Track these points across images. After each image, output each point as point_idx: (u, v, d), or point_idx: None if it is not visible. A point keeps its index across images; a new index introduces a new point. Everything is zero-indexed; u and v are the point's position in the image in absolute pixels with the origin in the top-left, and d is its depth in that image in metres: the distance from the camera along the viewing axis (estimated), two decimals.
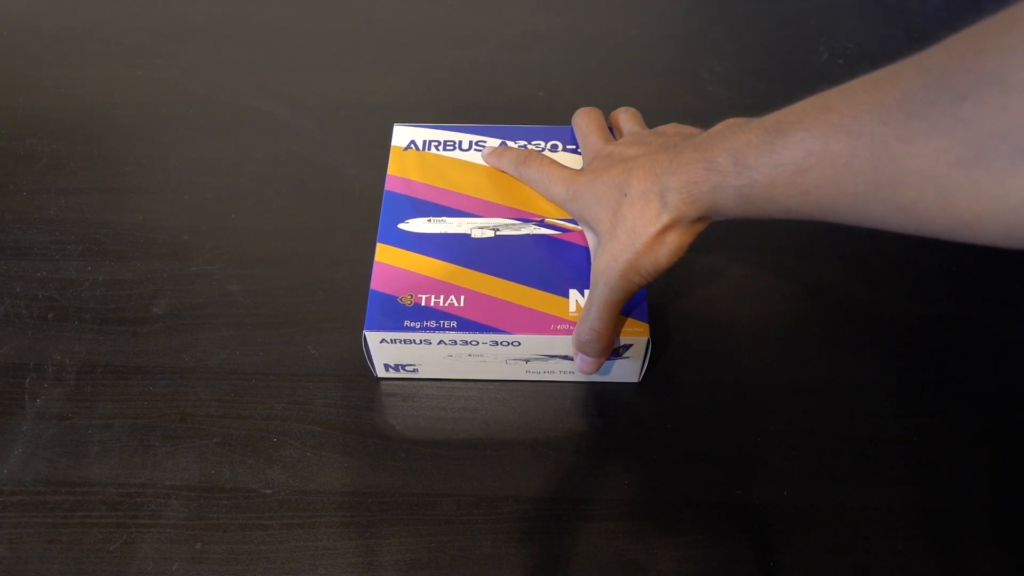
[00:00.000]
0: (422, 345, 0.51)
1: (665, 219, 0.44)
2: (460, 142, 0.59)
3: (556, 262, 0.53)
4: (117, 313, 0.59)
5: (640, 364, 0.53)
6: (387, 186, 0.57)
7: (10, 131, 0.71)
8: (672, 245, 0.45)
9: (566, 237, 0.54)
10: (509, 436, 0.53)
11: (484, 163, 0.58)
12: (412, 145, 0.59)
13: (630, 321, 0.51)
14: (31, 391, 0.56)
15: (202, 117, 0.72)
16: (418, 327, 0.50)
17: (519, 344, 0.50)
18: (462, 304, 0.51)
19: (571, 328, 0.50)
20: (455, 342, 0.50)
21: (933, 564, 0.48)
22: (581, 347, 0.50)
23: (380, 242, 0.54)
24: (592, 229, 0.50)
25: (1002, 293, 0.59)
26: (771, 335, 0.58)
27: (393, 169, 0.58)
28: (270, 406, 0.55)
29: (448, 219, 0.55)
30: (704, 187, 0.42)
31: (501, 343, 0.50)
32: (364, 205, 0.63)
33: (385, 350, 0.52)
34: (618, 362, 0.53)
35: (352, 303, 0.59)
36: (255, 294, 0.60)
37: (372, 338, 0.51)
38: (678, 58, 0.76)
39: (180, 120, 0.72)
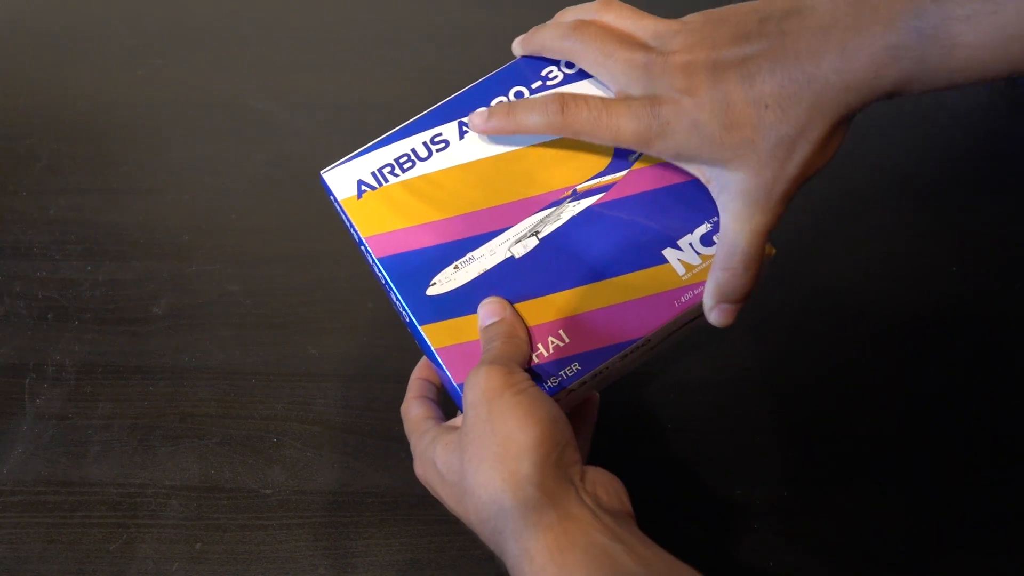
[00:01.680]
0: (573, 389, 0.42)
1: (832, 118, 0.36)
2: (415, 150, 0.45)
3: (625, 231, 0.42)
4: (117, 313, 0.59)
5: None
6: (376, 254, 0.43)
7: (10, 131, 0.71)
8: (838, 140, 0.38)
9: (613, 195, 0.43)
10: None
11: (479, 144, 0.44)
12: (363, 187, 0.45)
13: None
14: (31, 391, 0.56)
15: (202, 117, 0.72)
16: (548, 388, 0.40)
17: (649, 341, 0.42)
18: (566, 340, 0.40)
19: (695, 295, 0.41)
20: (585, 383, 0.41)
21: (933, 564, 0.49)
22: (731, 294, 0.40)
23: (423, 324, 0.41)
24: (703, 160, 0.39)
25: (1002, 293, 0.59)
26: (771, 335, 0.58)
27: (365, 230, 0.43)
28: (270, 406, 0.55)
29: (476, 252, 0.42)
30: (889, 77, 0.35)
31: (631, 353, 0.41)
32: None
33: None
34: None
35: (352, 303, 0.59)
36: (255, 294, 0.60)
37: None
38: None
39: (180, 120, 0.72)
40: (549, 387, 0.40)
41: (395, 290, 0.42)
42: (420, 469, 0.42)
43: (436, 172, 0.44)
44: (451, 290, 0.41)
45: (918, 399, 0.55)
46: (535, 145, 0.44)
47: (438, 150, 0.44)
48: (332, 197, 0.45)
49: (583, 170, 0.43)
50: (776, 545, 0.49)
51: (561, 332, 0.41)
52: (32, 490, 0.51)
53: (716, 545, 0.49)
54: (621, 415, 0.54)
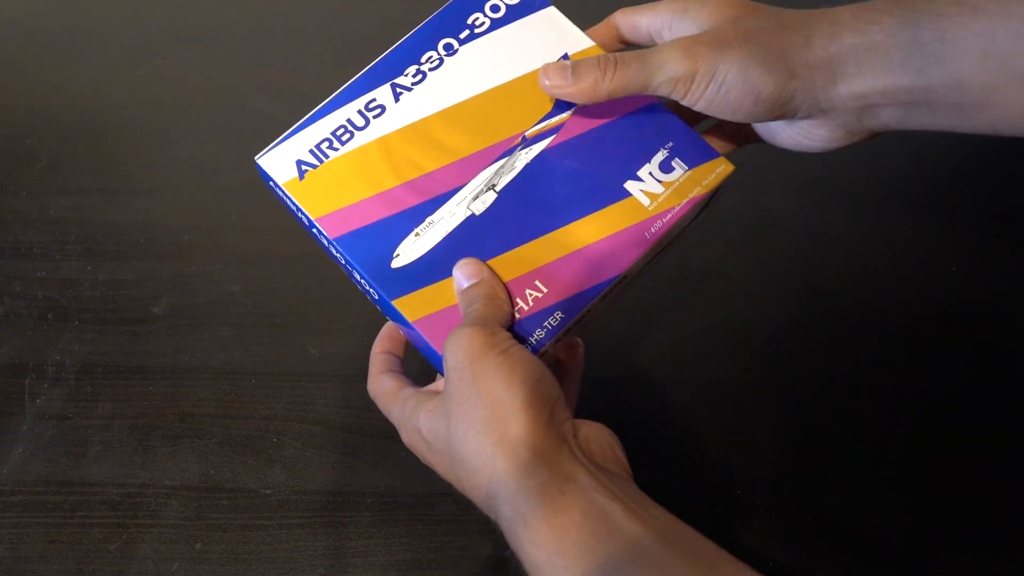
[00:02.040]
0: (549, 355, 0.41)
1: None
2: (351, 120, 0.43)
3: (583, 171, 0.41)
4: (117, 313, 0.59)
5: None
6: (331, 235, 0.41)
7: (10, 131, 0.71)
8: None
9: (564, 136, 0.42)
10: None
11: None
12: (303, 167, 0.42)
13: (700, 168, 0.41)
14: (31, 391, 0.56)
15: (202, 117, 0.72)
16: (535, 342, 0.39)
17: (626, 278, 0.41)
18: (543, 291, 0.39)
19: (664, 224, 0.40)
20: (570, 330, 0.40)
21: (933, 564, 0.49)
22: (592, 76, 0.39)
23: (395, 299, 0.40)
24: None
25: (1002, 293, 0.59)
26: (770, 335, 0.58)
27: (314, 211, 0.41)
28: (270, 406, 0.55)
29: (434, 215, 0.41)
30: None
31: (610, 292, 0.41)
32: None
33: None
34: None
35: (352, 303, 0.59)
36: (255, 294, 0.60)
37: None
38: None
39: (180, 120, 0.72)
40: (536, 341, 0.39)
41: (357, 270, 0.40)
42: (406, 438, 0.41)
43: (377, 140, 0.42)
44: (417, 259, 0.40)
45: (918, 399, 0.55)
46: (473, 97, 0.43)
47: (375, 116, 0.42)
48: (271, 183, 0.42)
49: (528, 115, 0.42)
50: (776, 545, 0.49)
51: (537, 283, 0.40)
52: (32, 490, 0.51)
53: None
54: (621, 415, 0.54)
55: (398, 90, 0.43)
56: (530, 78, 0.43)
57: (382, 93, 0.43)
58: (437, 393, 0.39)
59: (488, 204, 0.41)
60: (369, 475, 0.52)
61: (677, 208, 0.40)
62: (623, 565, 0.32)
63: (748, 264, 0.61)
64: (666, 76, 0.38)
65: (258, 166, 0.42)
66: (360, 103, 0.43)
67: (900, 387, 0.55)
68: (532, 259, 0.40)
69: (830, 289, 0.60)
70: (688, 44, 0.38)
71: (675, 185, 0.41)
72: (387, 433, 0.54)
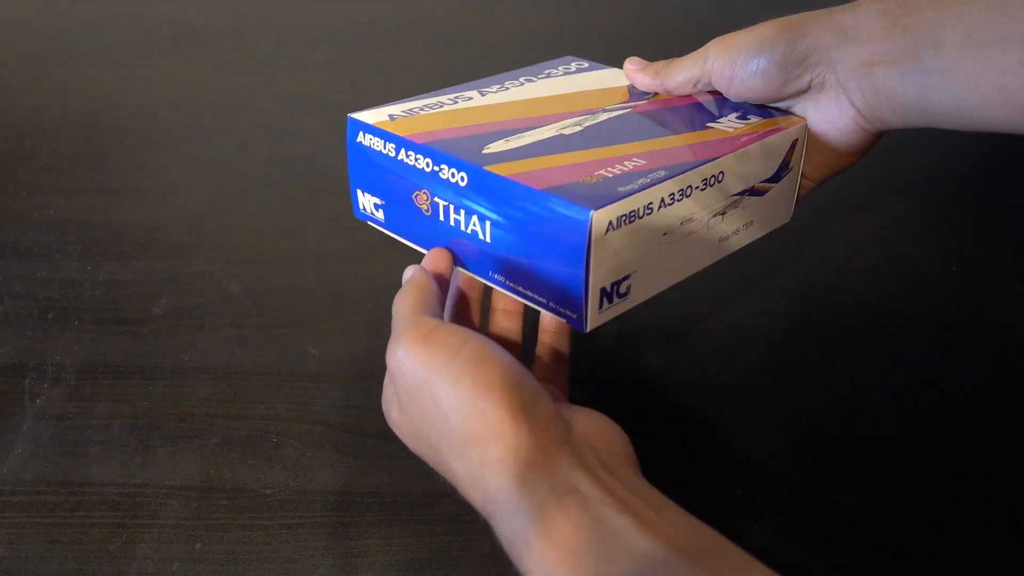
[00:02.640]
0: (645, 220, 0.38)
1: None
2: (440, 101, 0.47)
3: (666, 116, 0.46)
4: (117, 313, 0.59)
5: (795, 186, 0.48)
6: (419, 141, 0.41)
7: (10, 131, 0.71)
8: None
9: (652, 105, 0.47)
10: None
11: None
12: (394, 116, 0.45)
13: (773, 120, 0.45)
14: (31, 391, 0.56)
15: (202, 117, 0.72)
16: (636, 187, 0.37)
17: (721, 179, 0.42)
18: (644, 161, 0.40)
19: (752, 138, 0.43)
20: (672, 198, 0.39)
21: (934, 564, 0.48)
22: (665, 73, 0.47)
23: (489, 165, 0.38)
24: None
25: (1002, 293, 0.59)
26: (771, 335, 0.58)
27: (403, 131, 0.42)
28: (270, 406, 0.55)
29: (523, 133, 0.42)
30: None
31: (710, 181, 0.41)
32: None
33: (610, 247, 0.37)
34: (775, 190, 0.46)
35: (352, 303, 0.59)
36: (255, 294, 0.60)
37: (599, 222, 0.35)
38: (682, 53, 0.76)
39: (180, 120, 0.72)
40: (631, 189, 0.37)
41: (444, 159, 0.40)
42: (392, 426, 0.39)
43: (465, 107, 0.46)
44: (508, 150, 0.40)
45: (918, 399, 0.55)
46: (554, 95, 0.48)
47: (463, 100, 0.47)
48: (360, 131, 0.44)
49: (607, 101, 0.47)
50: (776, 545, 0.49)
51: (635, 158, 0.40)
52: (32, 490, 0.51)
53: None
54: (620, 415, 0.54)
55: (484, 91, 0.49)
56: (607, 91, 0.50)
57: (469, 92, 0.48)
58: (395, 402, 0.36)
59: (578, 129, 0.43)
60: (369, 475, 0.52)
61: (763, 131, 0.44)
62: None
63: (748, 264, 0.61)
64: (705, 61, 0.45)
65: (349, 120, 0.44)
66: (451, 95, 0.48)
67: (900, 387, 0.55)
68: (628, 149, 0.41)
69: (830, 289, 0.60)
70: (721, 38, 0.45)
71: (754, 124, 0.45)
72: (387, 433, 0.53)
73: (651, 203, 0.38)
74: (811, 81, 0.43)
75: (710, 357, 0.57)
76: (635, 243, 0.38)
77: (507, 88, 0.49)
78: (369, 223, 0.46)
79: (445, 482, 0.50)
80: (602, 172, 0.38)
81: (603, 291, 0.38)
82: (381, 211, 0.45)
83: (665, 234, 0.40)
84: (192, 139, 0.70)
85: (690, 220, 0.41)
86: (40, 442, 0.53)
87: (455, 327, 0.33)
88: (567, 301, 0.38)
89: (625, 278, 0.39)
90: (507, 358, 0.32)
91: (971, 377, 0.55)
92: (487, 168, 0.38)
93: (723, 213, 0.43)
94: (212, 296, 0.60)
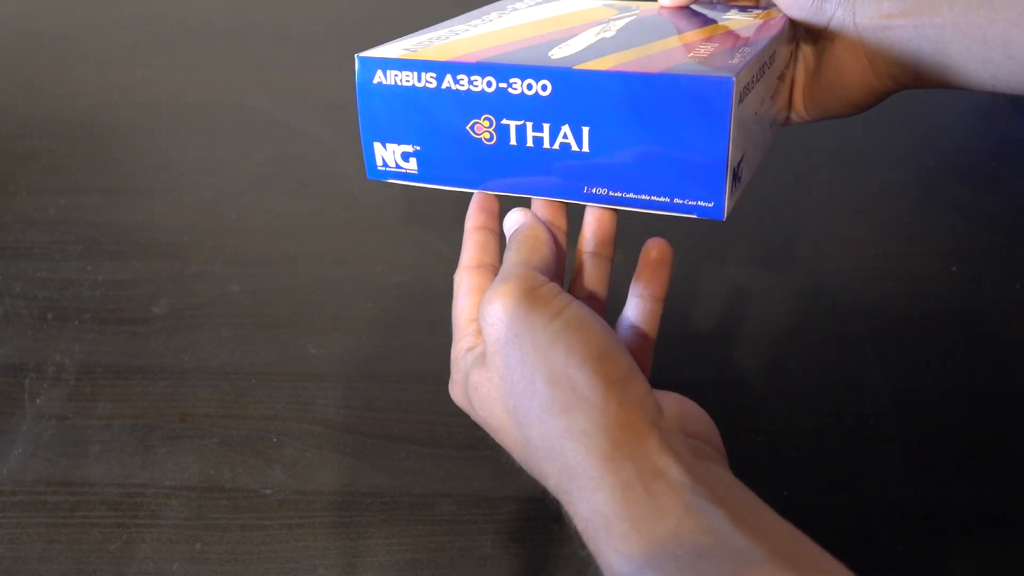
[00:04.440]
0: (749, 96, 0.36)
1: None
2: (452, 29, 0.42)
3: (689, 19, 0.43)
4: (117, 313, 0.59)
5: None
6: (474, 60, 0.36)
7: (10, 131, 0.71)
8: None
9: (648, 12, 0.44)
10: None
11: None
12: (414, 47, 0.38)
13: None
14: (31, 391, 0.56)
15: (202, 117, 0.72)
16: (743, 60, 0.35)
17: (773, 58, 0.40)
18: (716, 44, 0.38)
19: (780, 20, 0.41)
20: (757, 75, 0.37)
21: (933, 564, 0.48)
22: None
23: (578, 64, 0.34)
24: None
25: (1002, 293, 0.59)
26: (771, 335, 0.58)
27: (441, 56, 0.36)
28: (270, 406, 0.55)
29: (571, 40, 0.39)
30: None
31: (768, 62, 0.39)
32: (364, 205, 0.63)
33: (737, 122, 0.35)
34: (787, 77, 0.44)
35: (352, 303, 0.59)
36: (255, 294, 0.60)
37: (737, 88, 0.33)
38: None
39: (180, 120, 0.72)
40: (742, 61, 0.34)
41: (514, 72, 0.35)
42: (454, 395, 0.35)
43: (483, 32, 0.40)
44: (576, 52, 0.36)
45: (918, 399, 0.55)
46: (549, 17, 0.44)
47: (474, 27, 0.42)
48: (377, 70, 0.37)
49: (602, 15, 0.44)
50: None
51: (702, 44, 0.37)
52: (32, 490, 0.51)
53: None
54: None
55: (485, 19, 0.44)
56: (593, 9, 0.45)
57: (472, 22, 0.43)
58: (480, 363, 0.33)
59: (614, 32, 0.39)
60: (369, 475, 0.52)
61: (779, 17, 0.42)
62: None
63: (748, 264, 0.61)
64: None
65: (359, 60, 0.37)
66: (453, 25, 0.42)
67: (900, 386, 0.55)
68: (690, 38, 0.38)
69: (830, 289, 0.60)
70: None
71: (761, 14, 0.43)
72: (387, 433, 0.54)
73: (755, 76, 0.35)
74: (831, 19, 0.41)
75: (710, 357, 0.57)
76: (743, 121, 0.35)
77: (503, 15, 0.44)
78: (392, 180, 0.40)
79: (444, 482, 0.50)
80: (701, 51, 0.35)
81: (734, 172, 0.35)
82: (413, 160, 0.38)
83: (756, 112, 0.37)
84: (192, 139, 0.70)
85: (762, 101, 0.38)
86: (40, 442, 0.53)
87: (559, 289, 0.31)
88: (701, 188, 0.34)
89: (742, 159, 0.36)
90: (606, 329, 0.30)
91: (971, 377, 0.55)
92: (577, 68, 0.34)
93: (773, 96, 0.40)
94: (212, 296, 0.60)
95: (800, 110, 0.46)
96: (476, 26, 0.42)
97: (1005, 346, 0.57)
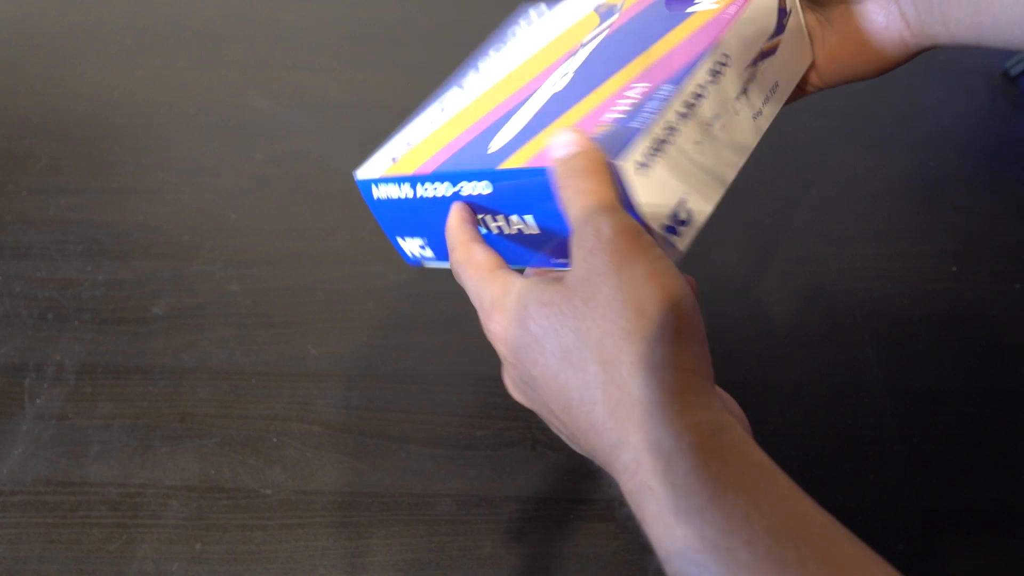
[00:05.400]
0: (673, 139, 0.36)
1: None
2: (423, 122, 0.46)
3: (645, 23, 0.42)
4: (117, 313, 0.59)
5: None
6: (428, 171, 0.40)
7: (10, 131, 0.71)
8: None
9: (624, 17, 0.43)
10: (509, 436, 0.53)
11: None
12: (394, 159, 0.44)
13: None
14: (31, 391, 0.56)
15: (202, 117, 0.72)
16: (648, 115, 0.35)
17: (728, 60, 0.39)
18: (645, 85, 0.38)
19: (738, 7, 0.40)
20: (688, 106, 0.37)
21: (933, 564, 0.48)
22: None
23: (500, 164, 0.37)
24: None
25: (1002, 293, 0.59)
26: (771, 335, 0.57)
27: (409, 169, 0.42)
28: (270, 406, 0.55)
29: (518, 113, 0.41)
30: None
31: (717, 69, 0.38)
32: (364, 205, 0.63)
33: (650, 185, 0.36)
34: (785, 40, 0.42)
35: (352, 303, 0.59)
36: (255, 294, 0.60)
37: (627, 169, 0.34)
38: None
39: (180, 120, 0.72)
40: (645, 120, 0.35)
41: (460, 177, 0.38)
42: (499, 327, 0.33)
43: (455, 114, 0.44)
44: (511, 139, 0.38)
45: (918, 399, 0.54)
46: (528, 58, 0.45)
47: (449, 106, 0.46)
48: (371, 187, 0.43)
49: (581, 34, 0.44)
50: None
51: (635, 83, 0.37)
52: (32, 490, 0.51)
53: None
54: None
55: (463, 84, 0.47)
56: (576, 25, 0.46)
57: (450, 94, 0.47)
58: (555, 284, 0.32)
59: (567, 80, 0.41)
60: (369, 475, 0.52)
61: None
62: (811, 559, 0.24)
63: (748, 264, 0.61)
64: None
65: (358, 182, 0.44)
66: (433, 106, 0.46)
67: (900, 386, 0.55)
68: (624, 77, 0.38)
69: (830, 289, 0.60)
70: None
71: None
72: (387, 433, 0.54)
73: (670, 123, 0.36)
74: None
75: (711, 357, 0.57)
76: (674, 166, 0.36)
77: (482, 71, 0.47)
78: (426, 264, 0.45)
79: (444, 482, 0.50)
80: (609, 116, 0.37)
81: (667, 228, 0.36)
82: (429, 248, 0.43)
83: (698, 142, 0.38)
84: (192, 139, 0.70)
85: (717, 116, 0.38)
86: (40, 442, 0.53)
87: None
88: None
89: (681, 202, 0.37)
90: (689, 291, 0.31)
91: (971, 377, 0.55)
92: (500, 168, 0.36)
93: (745, 91, 0.40)
94: (212, 296, 0.60)
95: (814, 78, 0.44)
96: (456, 100, 0.46)
97: (1005, 346, 0.57)
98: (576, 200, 0.32)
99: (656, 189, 0.36)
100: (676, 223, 0.37)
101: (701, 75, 0.37)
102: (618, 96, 0.38)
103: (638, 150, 0.35)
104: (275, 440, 0.53)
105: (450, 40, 0.77)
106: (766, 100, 0.42)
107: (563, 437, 0.33)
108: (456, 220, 0.38)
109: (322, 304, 0.60)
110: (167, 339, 0.58)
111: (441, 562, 0.48)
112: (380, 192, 0.43)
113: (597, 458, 0.30)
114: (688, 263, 0.59)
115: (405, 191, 0.41)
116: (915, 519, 0.50)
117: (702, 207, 0.39)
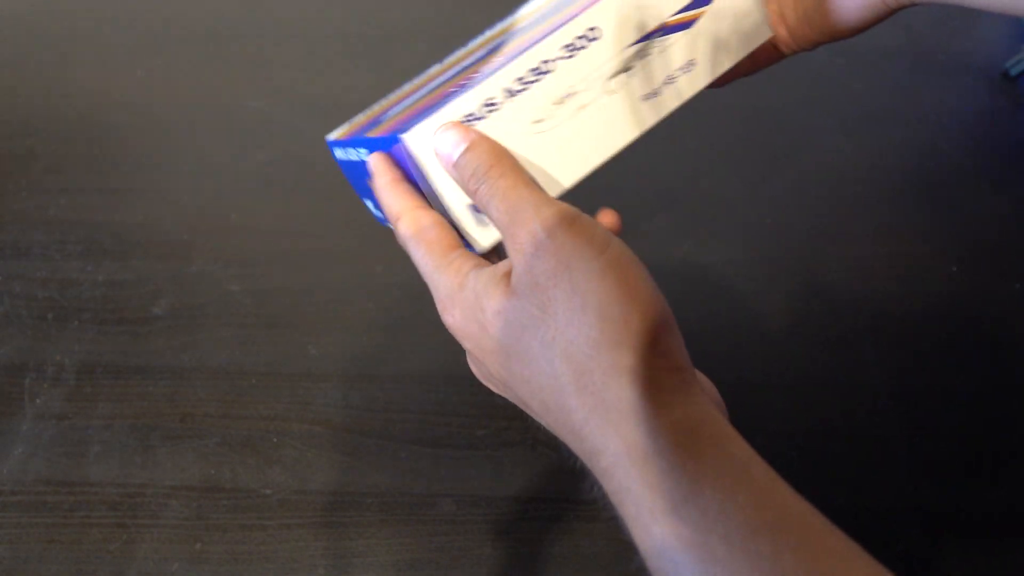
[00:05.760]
0: (493, 118, 0.34)
1: None
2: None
3: None
4: (117, 313, 0.59)
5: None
6: (348, 136, 0.40)
7: (10, 131, 0.71)
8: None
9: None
10: (509, 436, 0.53)
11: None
12: (352, 122, 0.44)
13: None
14: (31, 391, 0.56)
15: (202, 117, 0.72)
16: (470, 88, 0.33)
17: (598, 34, 0.35)
18: (499, 61, 0.35)
19: None
20: (523, 82, 0.34)
21: (934, 564, 0.48)
22: None
23: (369, 132, 0.37)
24: None
25: (1002, 293, 0.59)
26: (771, 335, 0.57)
27: (347, 131, 0.41)
28: (270, 406, 0.55)
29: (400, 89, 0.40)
30: None
31: (576, 43, 0.35)
32: (364, 205, 0.63)
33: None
34: (713, 9, 0.38)
35: (352, 303, 0.59)
36: (255, 294, 0.60)
37: (413, 142, 0.33)
38: None
39: (180, 120, 0.72)
40: (459, 93, 0.33)
41: (359, 143, 0.37)
42: (458, 321, 0.32)
43: (390, 97, 0.44)
44: (419, 112, 0.37)
45: (918, 399, 0.54)
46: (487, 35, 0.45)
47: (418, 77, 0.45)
48: (334, 149, 0.42)
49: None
50: None
51: (491, 62, 0.35)
52: (32, 490, 0.51)
53: None
54: None
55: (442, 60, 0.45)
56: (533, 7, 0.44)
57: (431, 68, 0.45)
58: (503, 284, 0.30)
59: (462, 65, 0.39)
60: (369, 475, 0.52)
61: None
62: (799, 556, 0.24)
63: (748, 264, 0.61)
64: None
65: (327, 142, 0.42)
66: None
67: (900, 386, 0.55)
68: (499, 56, 0.36)
69: (830, 289, 0.60)
70: None
71: None
72: (387, 433, 0.54)
73: (491, 99, 0.34)
74: None
75: (710, 357, 0.57)
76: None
77: (468, 46, 0.45)
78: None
79: (444, 482, 0.50)
80: (448, 89, 0.35)
81: (473, 207, 0.34)
82: (379, 211, 0.42)
83: (538, 121, 0.35)
84: (192, 139, 0.70)
85: (572, 94, 0.35)
86: (40, 442, 0.53)
87: (591, 218, 0.29)
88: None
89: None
90: (646, 270, 0.29)
91: (971, 377, 0.55)
92: (368, 135, 0.36)
93: (627, 69, 0.36)
94: (212, 296, 0.60)
95: (787, 38, 0.40)
96: (408, 83, 0.44)
97: (1005, 346, 0.57)
98: (492, 203, 0.30)
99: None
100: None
101: (546, 51, 0.34)
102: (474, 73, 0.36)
103: (432, 126, 0.33)
104: (275, 440, 0.53)
105: (451, 40, 0.77)
106: (669, 80, 0.38)
107: (545, 426, 0.32)
108: (385, 180, 0.35)
109: (322, 304, 0.60)
110: (167, 339, 0.58)
111: (441, 562, 0.48)
112: (339, 154, 0.41)
113: (580, 457, 0.29)
114: (688, 263, 0.60)
115: (349, 154, 0.40)
116: (916, 519, 0.50)
117: (548, 184, 0.36)
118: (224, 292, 0.60)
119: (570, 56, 0.35)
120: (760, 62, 0.41)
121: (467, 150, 0.31)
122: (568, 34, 0.35)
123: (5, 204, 0.66)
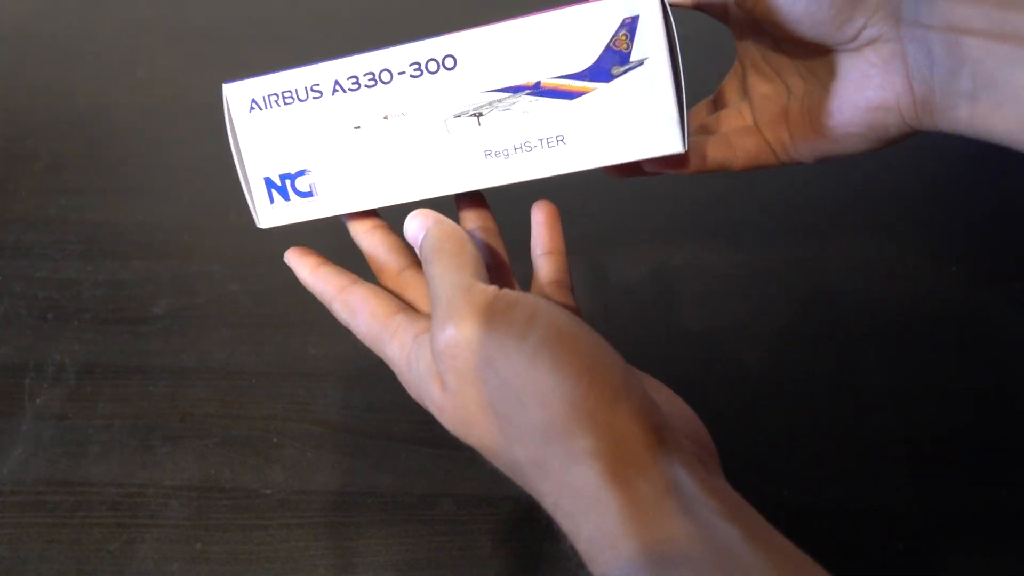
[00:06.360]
0: (313, 103, 0.33)
1: None
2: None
3: None
4: (117, 313, 0.59)
5: (671, 86, 0.33)
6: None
7: (10, 131, 0.71)
8: None
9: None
10: None
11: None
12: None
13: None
14: (31, 391, 0.56)
15: (202, 117, 0.72)
16: (307, 66, 0.32)
17: (454, 62, 0.33)
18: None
19: (526, 15, 0.33)
20: (356, 81, 0.32)
21: (933, 564, 0.48)
22: None
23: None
24: None
25: (1002, 293, 0.59)
26: (771, 335, 0.57)
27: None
28: (270, 406, 0.55)
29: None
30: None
31: (427, 66, 0.33)
32: None
33: (262, 130, 0.35)
34: (632, 77, 0.33)
35: None
36: (255, 294, 0.60)
37: (234, 96, 0.33)
38: None
39: (180, 120, 0.71)
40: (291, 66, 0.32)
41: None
42: (412, 394, 0.32)
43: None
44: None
45: (918, 399, 0.54)
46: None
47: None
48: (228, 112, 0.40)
49: None
50: None
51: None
52: (32, 490, 0.51)
53: None
54: None
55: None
56: None
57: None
58: (437, 380, 0.29)
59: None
60: (369, 475, 0.52)
61: (567, 3, 0.34)
62: None
63: (748, 264, 0.61)
64: None
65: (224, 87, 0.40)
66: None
67: (900, 387, 0.55)
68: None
69: (830, 289, 0.60)
70: None
71: None
72: (387, 433, 0.54)
73: (318, 83, 0.33)
74: (861, 31, 0.31)
75: (710, 357, 0.57)
76: (308, 132, 0.34)
77: None
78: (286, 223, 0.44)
79: (444, 482, 0.50)
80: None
81: (269, 181, 0.35)
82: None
83: (358, 127, 0.33)
84: (192, 139, 0.70)
85: (401, 115, 0.33)
86: (40, 442, 0.53)
87: (516, 293, 0.27)
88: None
89: (301, 173, 0.34)
90: (583, 327, 0.27)
91: (971, 377, 0.55)
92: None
93: (478, 114, 0.33)
94: (212, 296, 0.60)
95: (780, 150, 0.39)
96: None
97: (1005, 346, 0.57)
98: (430, 289, 0.29)
99: (270, 138, 0.34)
100: (291, 188, 0.35)
101: (390, 60, 0.32)
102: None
103: (255, 86, 0.34)
104: (275, 440, 0.53)
105: None
106: (524, 146, 0.33)
107: None
108: (306, 272, 0.36)
109: (322, 304, 0.60)
110: (167, 339, 0.58)
111: (440, 562, 0.48)
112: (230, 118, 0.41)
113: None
114: (688, 263, 0.59)
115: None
116: (915, 519, 0.50)
117: (343, 197, 0.34)
118: (224, 292, 0.60)
119: (415, 76, 0.33)
120: (747, 164, 0.40)
121: (425, 236, 0.31)
122: (419, 52, 0.33)
123: (5, 204, 0.66)
